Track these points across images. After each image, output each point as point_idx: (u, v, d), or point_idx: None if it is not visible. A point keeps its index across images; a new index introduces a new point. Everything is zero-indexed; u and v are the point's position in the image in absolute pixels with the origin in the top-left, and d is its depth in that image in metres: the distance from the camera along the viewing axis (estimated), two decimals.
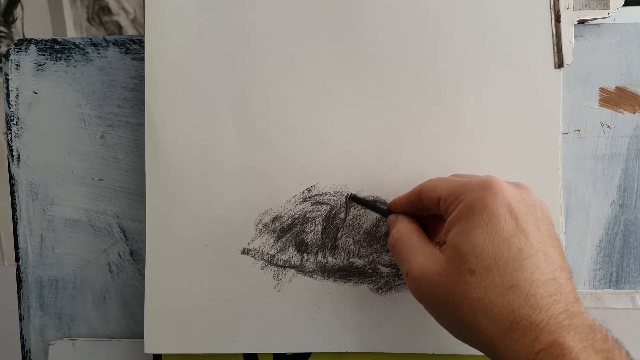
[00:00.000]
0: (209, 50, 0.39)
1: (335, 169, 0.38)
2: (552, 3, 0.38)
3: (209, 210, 0.38)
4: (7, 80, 0.42)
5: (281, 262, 0.39)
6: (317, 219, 0.39)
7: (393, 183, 0.38)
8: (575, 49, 0.38)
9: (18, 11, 0.95)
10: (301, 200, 0.38)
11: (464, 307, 0.26)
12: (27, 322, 0.43)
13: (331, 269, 0.39)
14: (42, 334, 0.43)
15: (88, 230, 0.42)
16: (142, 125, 0.39)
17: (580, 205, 0.40)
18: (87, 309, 0.43)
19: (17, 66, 0.42)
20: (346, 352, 0.39)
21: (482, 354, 0.28)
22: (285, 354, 0.41)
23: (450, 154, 0.38)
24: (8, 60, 0.42)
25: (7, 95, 0.42)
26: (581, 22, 0.39)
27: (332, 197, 0.38)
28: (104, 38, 0.42)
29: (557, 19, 0.38)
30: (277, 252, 0.39)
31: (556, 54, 0.38)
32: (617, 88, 0.40)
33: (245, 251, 0.39)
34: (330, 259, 0.39)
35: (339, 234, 0.39)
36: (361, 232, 0.38)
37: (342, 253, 0.39)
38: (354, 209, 0.38)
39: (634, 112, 0.40)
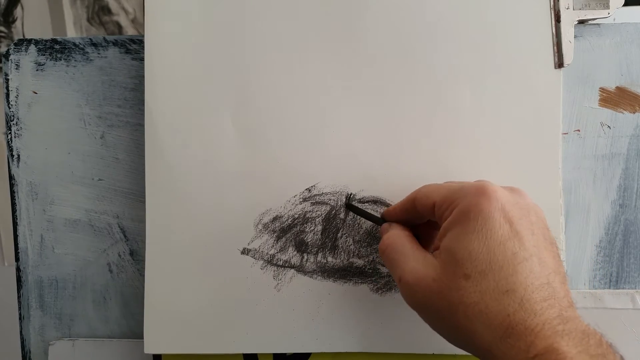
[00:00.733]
0: (208, 50, 0.39)
1: (335, 169, 0.38)
2: (552, 3, 0.38)
3: (208, 210, 0.38)
4: (7, 80, 0.42)
5: (281, 262, 0.39)
6: (317, 219, 0.39)
7: (393, 183, 0.38)
8: (575, 49, 0.38)
9: (18, 11, 0.95)
10: (301, 200, 0.38)
11: (459, 313, 0.26)
12: (27, 322, 0.43)
13: (331, 269, 0.39)
14: (42, 334, 0.43)
15: (88, 230, 0.42)
16: (142, 125, 0.39)
17: (580, 205, 0.40)
18: (87, 309, 0.43)
19: (17, 66, 0.42)
20: (346, 352, 0.39)
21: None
22: (285, 354, 0.41)
23: (450, 154, 0.38)
24: (8, 60, 0.42)
25: (7, 95, 0.42)
26: (581, 22, 0.39)
27: (332, 197, 0.38)
28: (104, 38, 0.42)
29: (557, 19, 0.38)
30: (277, 252, 0.39)
31: (556, 54, 0.38)
32: (617, 88, 0.40)
33: (245, 251, 0.39)
34: (330, 259, 0.39)
35: (339, 234, 0.39)
36: (361, 232, 0.38)
37: (342, 253, 0.39)
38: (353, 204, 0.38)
39: (634, 112, 0.40)
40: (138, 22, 0.95)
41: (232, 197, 0.38)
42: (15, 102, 0.42)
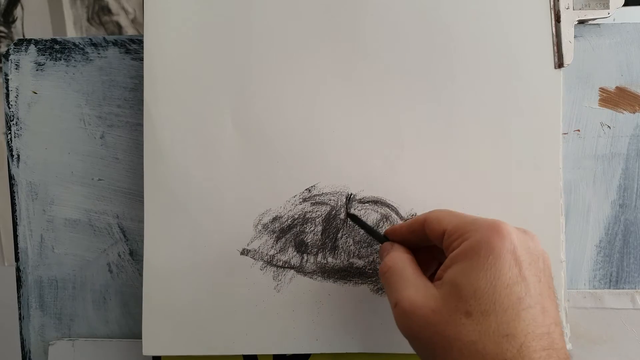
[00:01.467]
0: (208, 50, 0.39)
1: (335, 169, 0.38)
2: (552, 3, 0.38)
3: (208, 210, 0.38)
4: (7, 80, 0.42)
5: (281, 262, 0.39)
6: (317, 220, 0.39)
7: (393, 183, 0.38)
8: (575, 49, 0.38)
9: (18, 11, 0.95)
10: (301, 200, 0.38)
11: (454, 350, 0.26)
12: (27, 322, 0.43)
13: (331, 269, 0.39)
14: (42, 334, 0.43)
15: (88, 230, 0.42)
16: (142, 125, 0.39)
17: (580, 205, 0.40)
18: (87, 309, 0.43)
19: (17, 66, 0.42)
20: (346, 353, 0.39)
21: None
22: (285, 355, 0.41)
23: (450, 154, 0.38)
24: (8, 60, 0.42)
25: (7, 95, 0.42)
26: (581, 22, 0.39)
27: (332, 198, 0.38)
28: (104, 38, 0.42)
29: (557, 19, 0.38)
30: (277, 253, 0.39)
31: (556, 54, 0.38)
32: (617, 88, 0.40)
33: (244, 252, 0.39)
34: (330, 259, 0.39)
35: (339, 235, 0.39)
36: (361, 233, 0.38)
37: (342, 253, 0.39)
38: (354, 209, 0.38)
39: (634, 112, 0.40)
40: (138, 22, 0.95)
41: (232, 197, 0.38)
42: (15, 102, 0.42)
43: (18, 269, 0.43)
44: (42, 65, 0.42)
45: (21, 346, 0.43)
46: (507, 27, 0.38)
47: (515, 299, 0.26)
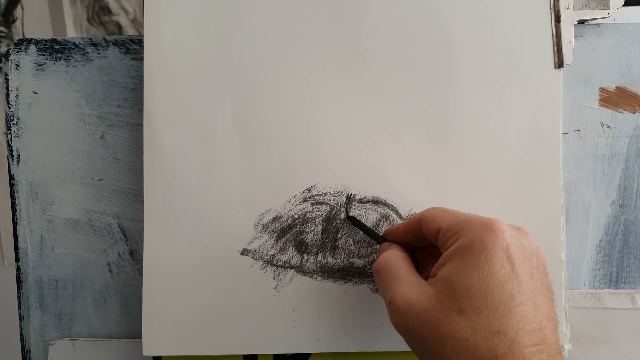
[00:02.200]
0: (208, 50, 0.39)
1: (335, 169, 0.38)
2: (552, 3, 0.38)
3: (208, 210, 0.38)
4: (7, 80, 0.42)
5: (281, 262, 0.39)
6: (317, 219, 0.39)
7: (393, 183, 0.38)
8: (575, 49, 0.38)
9: (18, 11, 0.95)
10: (301, 200, 0.38)
11: (447, 347, 0.26)
12: (27, 322, 0.43)
13: (331, 269, 0.39)
14: (42, 334, 0.43)
15: (88, 230, 0.42)
16: (142, 125, 0.39)
17: (580, 205, 0.40)
18: (87, 309, 0.43)
19: (17, 66, 0.42)
20: (346, 352, 0.39)
21: None
22: (285, 354, 0.41)
23: (450, 154, 0.38)
24: (8, 60, 0.42)
25: (7, 95, 0.42)
26: (581, 22, 0.39)
27: (332, 197, 0.38)
28: (104, 38, 0.42)
29: (557, 19, 0.38)
30: (277, 253, 0.39)
31: (556, 54, 0.38)
32: (617, 88, 0.40)
33: (244, 252, 0.39)
34: (330, 259, 0.39)
35: (339, 234, 0.39)
36: (361, 233, 0.38)
37: (342, 253, 0.39)
38: (354, 209, 0.38)
39: (634, 112, 0.40)
40: (138, 22, 0.95)
41: (232, 197, 0.38)
42: (15, 102, 0.42)
43: (18, 269, 0.43)
44: (42, 65, 0.42)
45: (21, 346, 0.43)
46: (507, 27, 0.38)
47: (507, 296, 0.26)
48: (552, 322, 0.27)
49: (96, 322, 0.43)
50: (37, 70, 0.42)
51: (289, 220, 0.39)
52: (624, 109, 0.40)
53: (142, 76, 0.39)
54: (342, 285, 0.39)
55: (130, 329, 0.43)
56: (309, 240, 0.39)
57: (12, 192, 0.43)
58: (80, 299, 0.43)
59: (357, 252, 0.39)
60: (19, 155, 0.42)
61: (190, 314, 0.38)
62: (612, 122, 0.40)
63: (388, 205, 0.38)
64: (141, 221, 0.40)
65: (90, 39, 0.42)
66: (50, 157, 0.42)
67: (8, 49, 0.42)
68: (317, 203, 0.39)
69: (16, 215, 0.43)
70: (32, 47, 0.42)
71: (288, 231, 0.39)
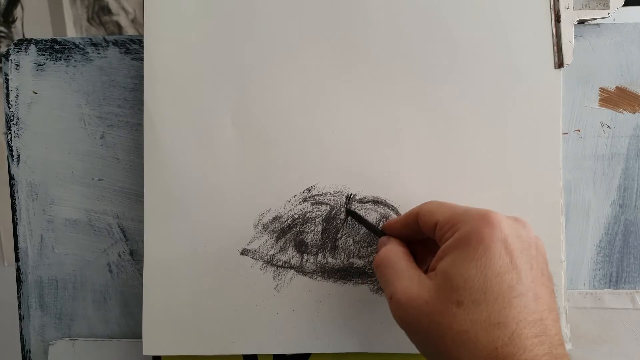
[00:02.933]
0: (208, 50, 0.39)
1: (335, 169, 0.38)
2: (552, 3, 0.38)
3: (208, 210, 0.38)
4: (7, 80, 0.42)
5: (281, 262, 0.39)
6: (317, 219, 0.39)
7: (393, 183, 0.38)
8: (575, 49, 0.38)
9: (18, 11, 0.95)
10: (301, 200, 0.38)
11: (447, 339, 0.26)
12: (27, 322, 0.43)
13: (331, 269, 0.39)
14: (42, 334, 0.43)
15: (88, 230, 0.42)
16: (142, 125, 0.39)
17: (580, 205, 0.40)
18: (87, 309, 0.43)
19: (17, 66, 0.42)
20: (346, 353, 0.39)
21: None
22: (285, 354, 0.41)
23: (450, 153, 0.38)
24: (8, 60, 0.42)
25: (7, 95, 0.42)
26: (581, 22, 0.39)
27: (332, 197, 0.38)
28: (104, 38, 0.42)
29: (557, 19, 0.38)
30: (277, 253, 0.39)
31: (556, 54, 0.38)
32: (617, 88, 0.40)
33: (244, 252, 0.39)
34: (330, 259, 0.39)
35: (339, 235, 0.39)
36: (361, 233, 0.38)
37: (342, 253, 0.39)
38: (354, 209, 0.38)
39: (634, 112, 0.40)
40: (138, 22, 0.95)
41: (232, 197, 0.38)
42: (15, 102, 0.42)
43: (18, 269, 0.43)
44: (42, 65, 0.42)
45: (21, 346, 0.43)
46: (507, 27, 0.38)
47: (506, 287, 0.26)
48: (554, 313, 0.27)
49: (96, 322, 0.43)
50: (37, 70, 0.42)
51: (289, 220, 0.39)
52: (624, 109, 0.40)
53: (142, 76, 0.39)
54: (342, 286, 0.39)
55: (130, 329, 0.43)
56: (308, 241, 0.39)
57: (12, 192, 0.43)
58: (80, 299, 0.43)
59: (357, 252, 0.39)
60: (19, 155, 0.42)
61: (190, 314, 0.38)
62: (612, 122, 0.40)
63: (388, 205, 0.38)
64: (141, 221, 0.40)
65: (90, 39, 0.42)
66: (50, 157, 0.42)
67: (8, 49, 0.42)
68: (317, 203, 0.39)
69: (16, 215, 0.43)
70: (32, 47, 0.42)
71: (288, 231, 0.39)
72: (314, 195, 0.38)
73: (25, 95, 0.42)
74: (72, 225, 0.42)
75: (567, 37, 0.37)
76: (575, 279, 0.40)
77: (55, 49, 0.42)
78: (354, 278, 0.39)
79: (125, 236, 0.42)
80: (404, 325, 0.29)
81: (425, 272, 0.30)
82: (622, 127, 0.40)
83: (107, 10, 0.94)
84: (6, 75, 0.42)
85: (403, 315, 0.28)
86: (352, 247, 0.39)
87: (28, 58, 0.42)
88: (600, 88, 0.40)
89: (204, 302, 0.38)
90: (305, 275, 0.39)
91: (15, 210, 0.43)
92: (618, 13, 0.38)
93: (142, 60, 0.39)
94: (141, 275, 0.40)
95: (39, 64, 0.42)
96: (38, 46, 0.42)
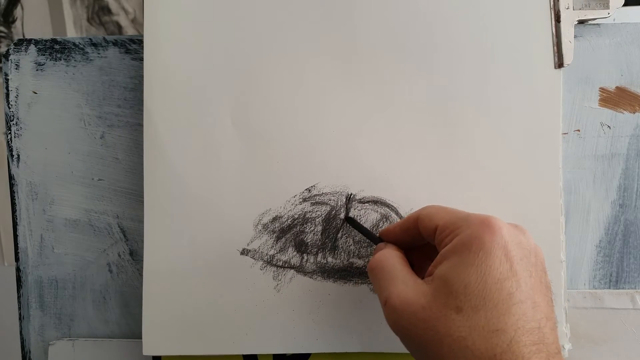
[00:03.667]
0: (208, 50, 0.39)
1: (335, 169, 0.38)
2: (552, 3, 0.38)
3: (207, 210, 0.38)
4: (6, 80, 0.42)
5: (281, 262, 0.39)
6: (317, 219, 0.39)
7: (393, 183, 0.38)
8: (575, 49, 0.38)
9: (18, 11, 0.95)
10: (301, 200, 0.38)
11: (444, 346, 0.26)
12: (27, 322, 0.43)
13: (331, 269, 0.39)
14: (42, 334, 0.43)
15: (88, 230, 0.42)
16: (142, 125, 0.39)
17: (580, 205, 0.40)
18: (87, 309, 0.43)
19: (17, 66, 0.42)
20: (346, 353, 0.39)
21: None
22: (285, 354, 0.41)
23: (450, 153, 0.38)
24: (8, 60, 0.42)
25: (7, 95, 0.42)
26: (581, 22, 0.39)
27: (332, 197, 0.38)
28: (104, 38, 0.42)
29: (557, 19, 0.38)
30: (277, 253, 0.39)
31: (556, 54, 0.38)
32: (617, 88, 0.40)
33: (244, 252, 0.39)
34: (330, 259, 0.39)
35: (339, 234, 0.39)
36: None
37: (342, 253, 0.39)
38: (354, 209, 0.38)
39: (634, 112, 0.40)
40: (138, 22, 0.95)
41: (232, 197, 0.38)
42: (15, 102, 0.42)
43: (18, 269, 0.43)
44: (42, 65, 0.42)
45: (21, 346, 0.43)
46: (507, 27, 0.38)
47: (505, 294, 0.26)
48: (551, 322, 0.26)
49: (96, 322, 0.43)
50: (37, 70, 0.42)
51: (289, 220, 0.39)
52: (624, 109, 0.40)
53: (142, 76, 0.39)
54: (342, 286, 0.39)
55: (130, 329, 0.43)
56: (308, 241, 0.39)
57: (12, 192, 0.43)
58: (80, 299, 0.43)
59: (357, 252, 0.39)
60: (19, 155, 0.42)
61: (190, 314, 0.38)
62: (612, 122, 0.40)
63: (388, 205, 0.38)
64: (141, 221, 0.40)
65: (90, 39, 0.42)
66: (50, 157, 0.42)
67: (8, 49, 0.42)
68: (317, 203, 0.39)
69: (16, 215, 0.43)
70: (32, 47, 0.42)
71: (288, 231, 0.39)
72: (314, 195, 0.38)
73: (25, 95, 0.42)
74: (72, 225, 0.42)
75: (567, 37, 0.37)
76: (575, 279, 0.40)
77: (55, 49, 0.42)
78: (353, 278, 0.39)
79: (125, 236, 0.42)
80: (398, 331, 0.28)
81: (422, 278, 0.29)
82: (622, 127, 0.40)
83: (107, 10, 0.94)
84: (6, 75, 0.42)
85: (398, 320, 0.28)
86: (352, 247, 0.39)
87: (28, 58, 0.42)
88: (600, 88, 0.40)
89: (204, 302, 0.38)
90: (305, 275, 0.39)
91: (15, 210, 0.43)
92: (618, 13, 0.38)
93: (142, 60, 0.39)
94: (141, 275, 0.40)
95: (39, 64, 0.42)
96: (38, 46, 0.42)
